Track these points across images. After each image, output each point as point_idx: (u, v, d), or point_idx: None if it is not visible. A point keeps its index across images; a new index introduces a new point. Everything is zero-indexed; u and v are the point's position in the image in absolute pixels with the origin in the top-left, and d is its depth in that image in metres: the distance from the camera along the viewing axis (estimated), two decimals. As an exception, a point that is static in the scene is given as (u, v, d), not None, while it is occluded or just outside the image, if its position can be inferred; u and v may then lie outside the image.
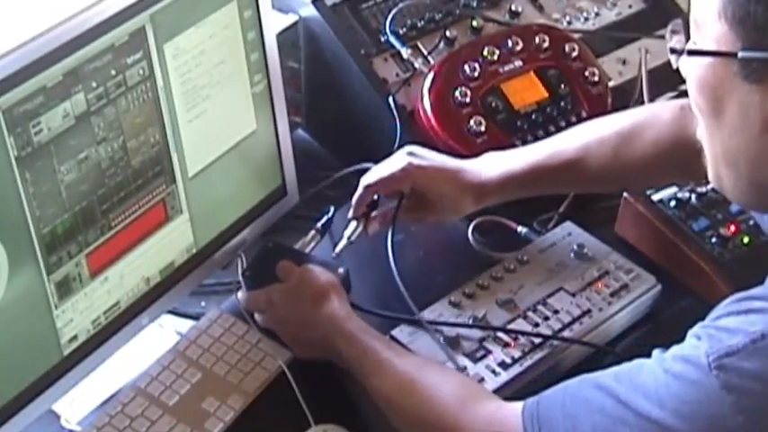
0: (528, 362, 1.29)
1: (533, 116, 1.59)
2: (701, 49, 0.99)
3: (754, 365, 0.93)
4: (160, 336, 1.38)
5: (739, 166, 1.01)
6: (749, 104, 0.96)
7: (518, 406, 1.08)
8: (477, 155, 1.52)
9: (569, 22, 1.77)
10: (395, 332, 1.32)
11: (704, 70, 0.99)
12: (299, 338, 1.32)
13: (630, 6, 1.82)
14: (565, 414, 1.03)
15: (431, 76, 1.58)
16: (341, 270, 1.37)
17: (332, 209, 1.49)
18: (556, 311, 1.34)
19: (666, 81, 1.71)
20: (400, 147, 1.55)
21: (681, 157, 1.27)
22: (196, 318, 1.39)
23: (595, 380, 1.04)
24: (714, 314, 1.01)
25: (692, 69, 1.01)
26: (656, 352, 1.03)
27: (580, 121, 1.60)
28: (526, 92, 1.60)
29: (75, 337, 1.23)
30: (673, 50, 1.03)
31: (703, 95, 1.00)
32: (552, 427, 1.04)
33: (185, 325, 1.39)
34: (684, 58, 1.01)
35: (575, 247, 1.42)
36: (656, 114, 1.37)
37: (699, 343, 0.98)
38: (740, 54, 0.94)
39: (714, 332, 0.97)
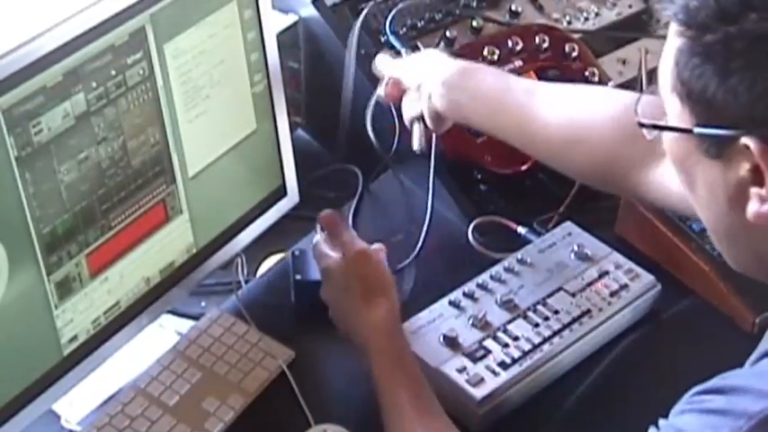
0: (528, 362, 1.29)
1: (533, 116, 1.59)
2: (660, 125, 0.97)
3: None
4: (160, 336, 1.38)
5: (720, 237, 1.01)
6: (713, 180, 0.94)
7: None
8: (477, 155, 1.53)
9: (569, 22, 1.77)
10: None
11: (671, 144, 0.98)
12: (343, 322, 1.29)
13: (630, 6, 1.82)
14: None
15: (431, 76, 1.58)
16: (375, 246, 1.38)
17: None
18: (556, 311, 1.34)
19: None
20: (400, 147, 1.56)
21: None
22: (196, 318, 1.39)
23: None
24: (678, 407, 0.97)
25: (664, 142, 0.99)
26: None
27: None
28: (526, 92, 1.60)
29: (75, 337, 1.23)
30: (641, 124, 1.01)
31: (676, 168, 0.99)
32: None
33: (185, 325, 1.39)
34: (650, 130, 1.00)
35: (575, 247, 1.42)
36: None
37: None
38: (695, 130, 0.92)
39: None
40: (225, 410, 1.27)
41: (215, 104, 1.32)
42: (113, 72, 1.17)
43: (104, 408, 1.28)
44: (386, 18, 1.65)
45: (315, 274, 1.38)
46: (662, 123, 0.98)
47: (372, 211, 1.58)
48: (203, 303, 1.44)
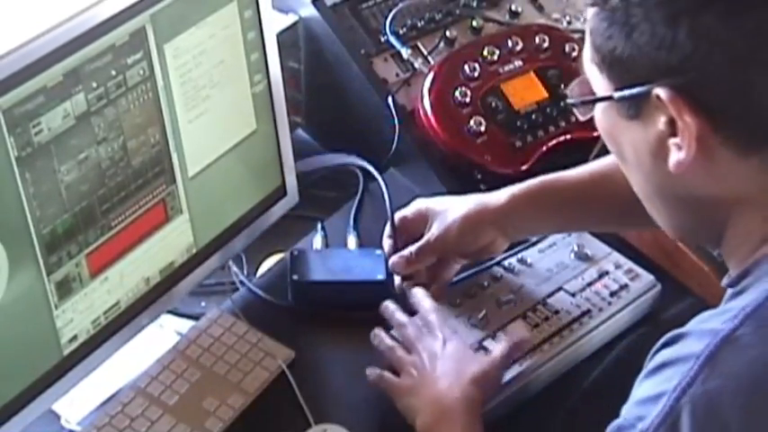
0: (528, 362, 1.29)
1: (533, 116, 1.59)
2: (586, 99, 1.01)
3: None
4: (160, 336, 1.38)
5: (654, 201, 1.03)
6: (637, 141, 0.97)
7: None
8: (477, 155, 1.53)
9: (569, 22, 1.77)
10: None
11: (600, 118, 1.01)
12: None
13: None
14: None
15: (431, 76, 1.58)
16: (379, 252, 1.39)
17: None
18: (556, 312, 1.34)
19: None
20: (400, 147, 1.56)
21: None
22: (196, 318, 1.39)
23: None
24: (639, 377, 0.99)
25: (595, 119, 1.03)
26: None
27: (579, 120, 1.60)
28: (526, 92, 1.61)
29: (75, 337, 1.23)
30: (571, 105, 1.05)
31: (608, 142, 1.03)
32: None
33: (185, 325, 1.39)
34: (582, 108, 1.04)
35: (575, 247, 1.42)
36: None
37: None
38: (615, 95, 0.96)
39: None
40: (225, 410, 1.27)
41: (215, 104, 1.32)
42: (114, 72, 1.17)
43: (104, 408, 1.28)
44: (386, 18, 1.65)
45: (312, 274, 1.39)
46: (582, 98, 1.01)
47: (372, 210, 1.57)
48: (203, 303, 1.44)
